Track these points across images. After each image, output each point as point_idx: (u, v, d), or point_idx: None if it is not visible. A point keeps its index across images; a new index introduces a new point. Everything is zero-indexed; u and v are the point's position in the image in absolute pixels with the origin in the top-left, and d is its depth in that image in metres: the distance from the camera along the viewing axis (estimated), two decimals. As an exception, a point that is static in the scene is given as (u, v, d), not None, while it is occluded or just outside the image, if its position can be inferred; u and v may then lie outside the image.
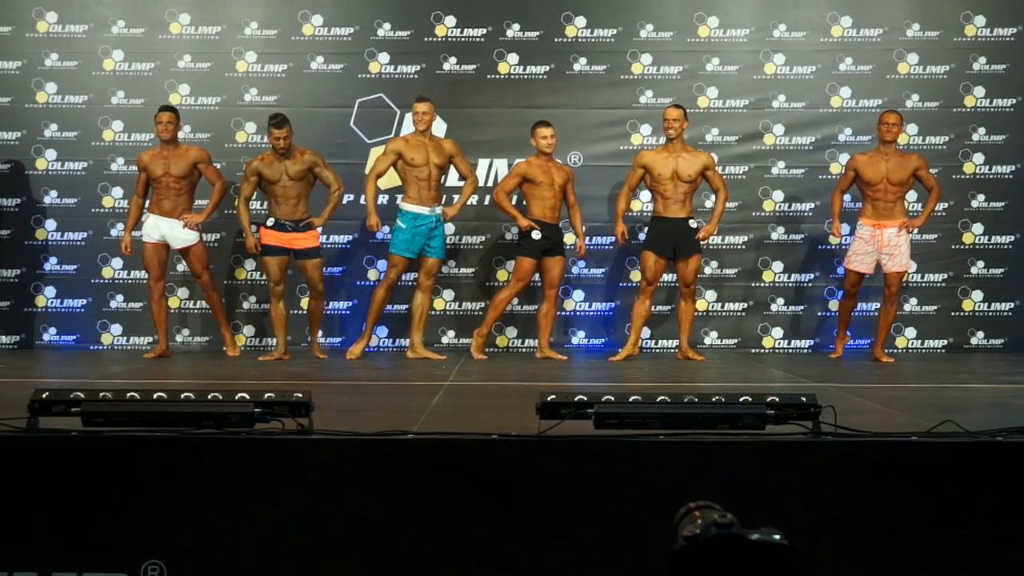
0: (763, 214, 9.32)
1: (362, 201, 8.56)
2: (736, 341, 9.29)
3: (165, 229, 8.22)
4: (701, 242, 8.42)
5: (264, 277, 8.64)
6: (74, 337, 9.22)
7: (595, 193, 9.18)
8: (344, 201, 8.73)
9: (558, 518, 3.98)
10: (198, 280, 8.42)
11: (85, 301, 9.21)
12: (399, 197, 8.54)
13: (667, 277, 8.76)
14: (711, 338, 9.22)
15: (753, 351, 9.21)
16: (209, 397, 4.20)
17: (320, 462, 4.07)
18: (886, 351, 8.48)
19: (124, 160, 9.17)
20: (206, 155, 8.37)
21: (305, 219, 8.26)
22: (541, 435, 4.09)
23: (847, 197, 8.71)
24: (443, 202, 8.44)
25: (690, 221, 8.37)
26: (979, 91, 9.27)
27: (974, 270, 9.26)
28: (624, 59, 9.26)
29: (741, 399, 4.09)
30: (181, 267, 8.95)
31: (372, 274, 9.22)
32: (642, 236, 9.16)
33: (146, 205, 8.38)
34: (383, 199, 8.95)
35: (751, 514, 2.05)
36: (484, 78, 9.27)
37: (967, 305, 9.27)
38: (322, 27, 9.28)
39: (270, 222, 8.23)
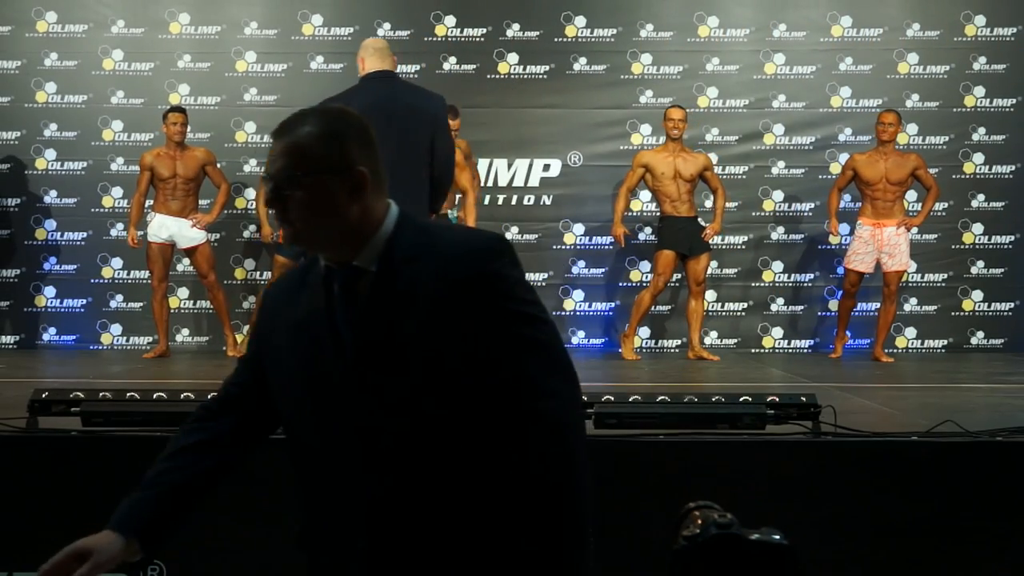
0: (763, 214, 9.32)
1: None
2: (736, 341, 9.28)
3: (173, 229, 8.22)
4: (709, 241, 8.42)
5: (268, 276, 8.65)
6: (74, 337, 9.22)
7: (595, 193, 9.18)
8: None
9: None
10: (204, 280, 8.42)
11: (85, 301, 9.21)
12: None
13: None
14: (711, 338, 9.21)
15: (753, 351, 9.21)
16: (209, 397, 4.19)
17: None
18: (886, 351, 8.47)
19: (124, 160, 9.16)
20: (213, 157, 8.39)
21: None
22: (541, 435, 4.08)
23: (847, 197, 8.70)
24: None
25: (698, 219, 8.39)
26: (979, 91, 9.26)
27: (974, 270, 9.26)
28: (624, 59, 9.26)
29: (741, 399, 4.09)
30: (181, 267, 8.95)
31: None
32: (643, 236, 9.18)
33: (147, 204, 8.40)
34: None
35: (751, 514, 2.05)
36: (484, 78, 9.27)
37: (967, 305, 9.27)
38: (322, 27, 9.28)
39: None
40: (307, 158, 1.92)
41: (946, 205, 9.15)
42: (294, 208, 1.93)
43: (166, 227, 8.22)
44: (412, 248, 1.96)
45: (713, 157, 8.77)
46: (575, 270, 9.25)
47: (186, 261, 8.66)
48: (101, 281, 9.21)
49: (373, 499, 1.96)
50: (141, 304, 9.08)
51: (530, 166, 9.22)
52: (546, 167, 9.26)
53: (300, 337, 2.01)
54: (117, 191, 9.19)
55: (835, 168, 9.11)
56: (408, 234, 1.98)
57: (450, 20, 9.28)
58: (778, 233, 9.33)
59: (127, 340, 9.19)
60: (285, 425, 2.15)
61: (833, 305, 9.10)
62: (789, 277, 9.34)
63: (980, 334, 9.24)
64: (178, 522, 2.08)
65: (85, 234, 9.21)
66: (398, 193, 6.37)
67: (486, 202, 9.10)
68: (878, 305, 8.64)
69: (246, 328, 8.96)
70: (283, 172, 1.93)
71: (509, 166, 9.08)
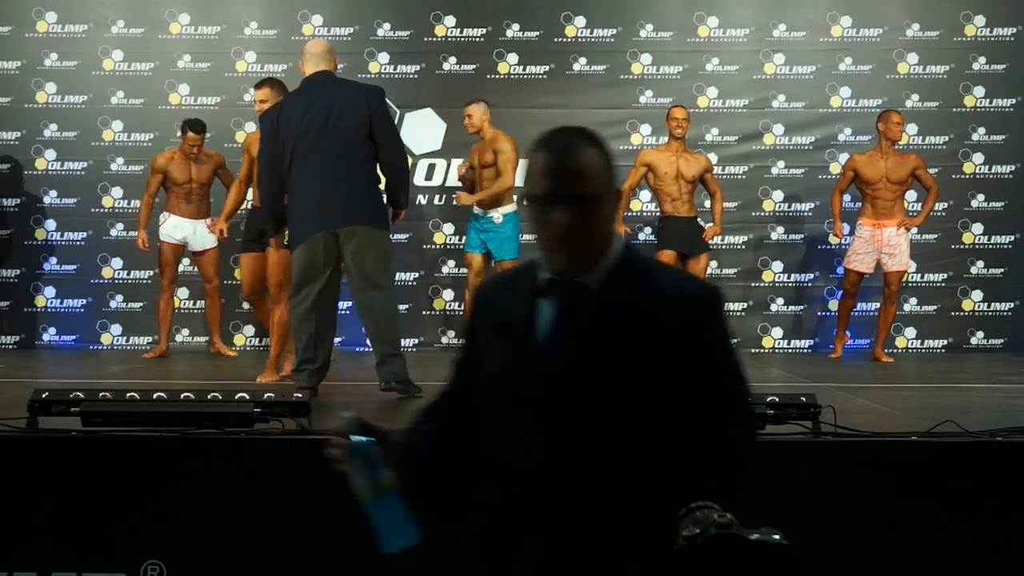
0: (763, 214, 9.32)
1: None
2: (736, 341, 9.23)
3: (188, 230, 8.24)
4: (708, 241, 8.43)
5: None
6: (74, 337, 9.21)
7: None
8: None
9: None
10: (208, 284, 8.41)
11: (85, 301, 9.21)
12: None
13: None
14: (711, 338, 9.19)
15: (753, 351, 9.20)
16: (209, 397, 4.20)
17: (320, 462, 4.06)
18: (886, 351, 8.47)
19: (124, 160, 9.17)
20: (222, 159, 8.42)
21: None
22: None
23: (846, 197, 8.70)
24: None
25: (698, 220, 8.40)
26: (979, 91, 9.26)
27: (974, 270, 9.26)
28: (624, 59, 9.26)
29: (741, 399, 4.08)
30: (181, 267, 8.91)
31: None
32: (643, 236, 9.18)
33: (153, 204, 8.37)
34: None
35: (751, 514, 2.05)
36: (484, 78, 9.26)
37: (967, 305, 9.27)
38: (322, 27, 9.28)
39: None
40: (599, 179, 2.04)
41: (946, 205, 9.15)
42: (581, 225, 2.03)
43: (181, 228, 8.24)
44: (636, 278, 2.06)
45: (713, 157, 8.77)
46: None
47: (186, 261, 8.64)
48: (101, 281, 9.21)
49: (546, 505, 2.05)
50: (141, 304, 9.08)
51: (530, 166, 9.20)
52: (546, 167, 9.24)
53: (504, 339, 2.11)
54: (117, 191, 9.19)
55: (835, 168, 9.11)
56: (634, 262, 2.10)
57: (450, 20, 9.28)
58: (778, 233, 9.33)
59: (127, 340, 9.19)
60: (483, 418, 2.19)
61: (833, 305, 9.10)
62: (789, 277, 9.34)
63: (980, 334, 9.24)
64: (421, 476, 2.14)
65: (85, 234, 9.21)
66: (344, 188, 6.44)
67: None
68: (878, 305, 8.63)
69: (246, 328, 8.96)
70: (580, 192, 2.03)
71: (509, 166, 9.06)
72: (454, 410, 2.24)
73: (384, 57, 9.26)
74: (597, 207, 2.04)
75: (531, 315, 2.09)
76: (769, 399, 4.04)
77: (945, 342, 9.24)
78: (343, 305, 9.23)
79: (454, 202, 8.48)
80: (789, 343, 9.31)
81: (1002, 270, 9.26)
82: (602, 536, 2.02)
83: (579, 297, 2.06)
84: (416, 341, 8.98)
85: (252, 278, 7.22)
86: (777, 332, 9.31)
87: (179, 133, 8.23)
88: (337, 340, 9.11)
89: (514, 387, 2.09)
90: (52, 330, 9.22)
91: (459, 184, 8.68)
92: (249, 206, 7.26)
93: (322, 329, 5.75)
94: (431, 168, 9.20)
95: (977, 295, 9.25)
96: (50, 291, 9.23)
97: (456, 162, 8.82)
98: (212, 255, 8.35)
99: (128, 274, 9.19)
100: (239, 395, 4.18)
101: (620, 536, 2.02)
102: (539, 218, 2.06)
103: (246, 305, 9.13)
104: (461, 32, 9.29)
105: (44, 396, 4.13)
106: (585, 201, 2.02)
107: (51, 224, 9.22)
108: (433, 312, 9.05)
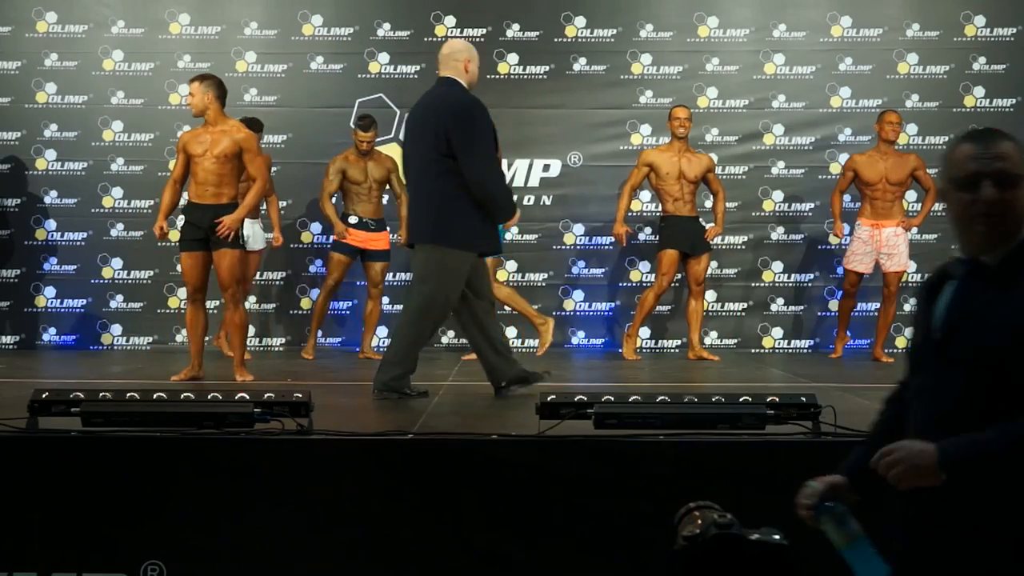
0: (763, 214, 9.32)
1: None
2: (736, 341, 9.28)
3: (248, 229, 8.14)
4: (710, 241, 8.44)
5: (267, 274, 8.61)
6: (74, 337, 9.22)
7: (595, 193, 9.17)
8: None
9: (558, 518, 3.98)
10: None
11: (85, 301, 9.21)
12: None
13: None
14: (711, 338, 9.21)
15: (753, 351, 9.21)
16: (209, 397, 4.21)
17: (320, 462, 4.07)
18: (886, 351, 8.47)
19: (124, 160, 9.17)
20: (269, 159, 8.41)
21: (381, 219, 8.42)
22: (541, 435, 4.09)
23: (847, 197, 8.70)
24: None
25: (699, 219, 8.40)
26: (979, 91, 9.26)
27: (974, 270, 9.24)
28: (624, 59, 9.26)
29: (741, 399, 4.10)
30: (177, 268, 8.90)
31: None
32: (643, 236, 9.18)
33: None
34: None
35: (751, 514, 2.05)
36: (484, 78, 9.15)
37: (967, 305, 9.26)
38: (322, 27, 9.28)
39: (352, 220, 8.31)
40: (1019, 163, 2.25)
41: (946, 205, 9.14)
42: (1003, 201, 2.23)
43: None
44: None
45: (713, 157, 8.77)
46: (575, 270, 9.24)
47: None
48: (101, 281, 9.21)
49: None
50: (141, 304, 9.09)
51: (530, 166, 9.22)
52: (546, 167, 9.26)
53: (920, 316, 2.36)
54: (117, 191, 9.19)
55: (835, 168, 9.11)
56: None
57: (450, 20, 9.28)
58: (778, 233, 9.33)
59: (127, 340, 9.19)
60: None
61: (833, 305, 9.10)
62: (789, 277, 9.34)
63: (980, 334, 9.23)
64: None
65: (85, 234, 9.21)
66: (418, 203, 6.43)
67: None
68: (878, 305, 8.63)
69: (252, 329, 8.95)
70: (1005, 171, 2.24)
71: (509, 166, 9.05)
72: (899, 400, 2.43)
73: (384, 57, 9.26)
74: (1017, 189, 2.24)
75: (939, 292, 2.32)
76: (769, 399, 4.05)
77: (945, 342, 9.23)
78: (343, 305, 9.28)
79: None
80: (789, 343, 9.31)
81: (1002, 270, 9.24)
82: (969, 509, 2.13)
83: (978, 273, 2.26)
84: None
85: (198, 279, 6.72)
86: (777, 332, 9.31)
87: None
88: (337, 340, 9.19)
89: (915, 357, 2.34)
90: (52, 330, 9.22)
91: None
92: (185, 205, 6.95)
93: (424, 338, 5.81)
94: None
95: (977, 295, 9.24)
96: (50, 291, 9.23)
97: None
98: (256, 258, 8.42)
99: (128, 274, 9.19)
100: (239, 395, 4.19)
101: (984, 511, 2.12)
102: (964, 198, 2.27)
103: (246, 304, 9.12)
104: (461, 32, 9.28)
105: (44, 396, 4.13)
106: (1009, 180, 2.23)
107: (51, 224, 9.22)
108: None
